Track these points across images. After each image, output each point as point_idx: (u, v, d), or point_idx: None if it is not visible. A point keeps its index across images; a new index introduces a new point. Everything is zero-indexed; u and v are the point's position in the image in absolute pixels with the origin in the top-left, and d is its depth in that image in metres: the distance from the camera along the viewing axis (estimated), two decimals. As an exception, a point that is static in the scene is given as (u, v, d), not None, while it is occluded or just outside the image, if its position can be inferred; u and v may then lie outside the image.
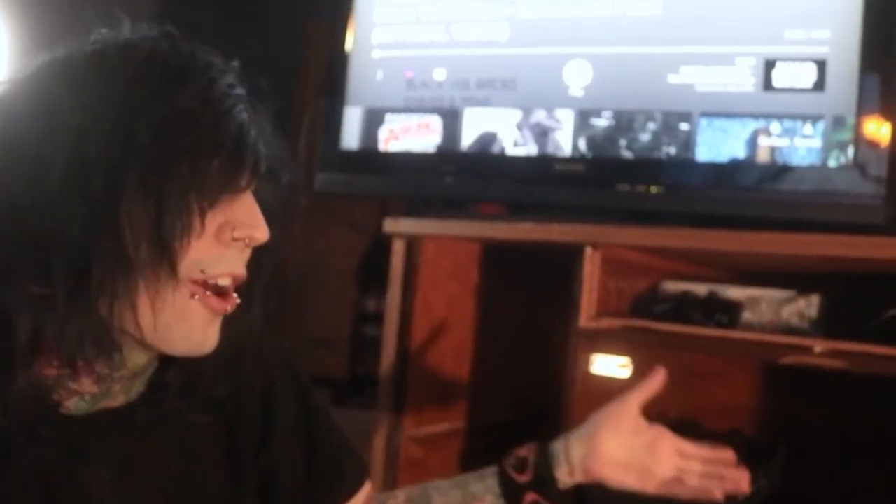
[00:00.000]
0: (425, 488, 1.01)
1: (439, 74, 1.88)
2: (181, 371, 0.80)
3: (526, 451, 0.99)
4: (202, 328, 0.75)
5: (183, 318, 0.74)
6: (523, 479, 0.96)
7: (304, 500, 0.90)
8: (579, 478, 0.97)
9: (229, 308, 0.76)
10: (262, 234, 0.75)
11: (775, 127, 1.60)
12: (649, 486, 0.98)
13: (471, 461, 1.95)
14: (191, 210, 0.70)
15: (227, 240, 0.74)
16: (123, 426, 0.79)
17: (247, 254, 0.77)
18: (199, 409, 0.82)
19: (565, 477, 0.96)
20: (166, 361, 0.80)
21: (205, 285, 0.74)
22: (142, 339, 0.73)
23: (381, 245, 1.94)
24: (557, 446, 0.99)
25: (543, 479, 0.95)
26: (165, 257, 0.70)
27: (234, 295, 0.76)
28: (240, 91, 0.75)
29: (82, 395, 0.77)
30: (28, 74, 0.75)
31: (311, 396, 0.93)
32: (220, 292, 0.75)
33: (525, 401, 2.05)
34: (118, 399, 0.79)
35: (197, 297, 0.74)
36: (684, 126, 1.66)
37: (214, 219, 0.73)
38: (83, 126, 0.69)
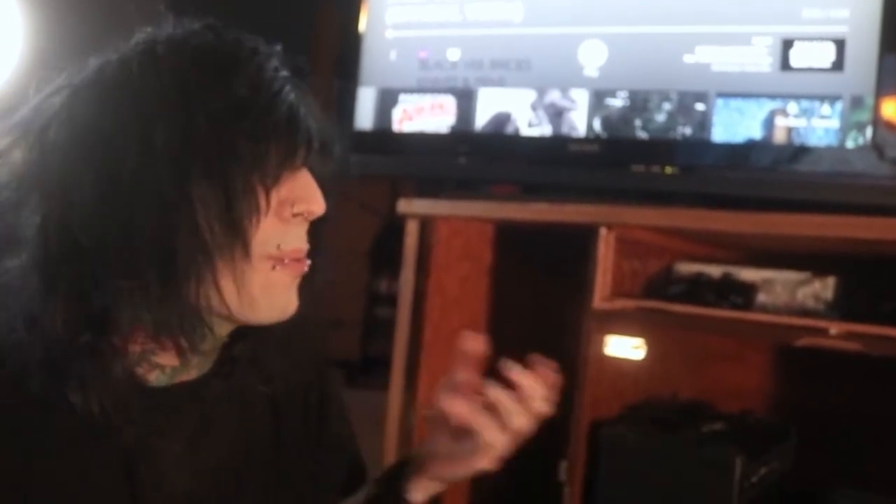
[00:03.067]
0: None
1: (453, 54, 1.87)
2: (248, 345, 0.85)
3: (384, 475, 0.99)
4: (285, 294, 0.80)
5: (266, 288, 0.78)
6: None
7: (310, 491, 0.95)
8: (425, 485, 0.94)
9: (305, 269, 0.81)
10: (319, 207, 0.79)
11: (792, 107, 1.58)
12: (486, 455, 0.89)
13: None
14: (255, 190, 0.75)
15: (287, 216, 0.78)
16: (195, 400, 0.83)
17: (306, 227, 0.81)
18: (262, 382, 0.87)
19: (413, 488, 0.94)
20: (234, 336, 0.84)
21: (280, 259, 0.78)
22: (229, 314, 0.78)
23: (394, 227, 1.93)
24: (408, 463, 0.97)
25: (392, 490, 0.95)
26: (238, 237, 0.74)
27: (307, 259, 0.81)
28: (285, 73, 0.79)
29: (163, 368, 0.81)
30: (84, 78, 0.78)
31: (339, 392, 1.00)
32: (295, 259, 0.80)
33: (538, 382, 2.05)
34: (192, 373, 0.84)
35: (277, 267, 0.78)
36: (700, 106, 1.65)
37: (275, 196, 0.77)
38: (146, 122, 0.73)
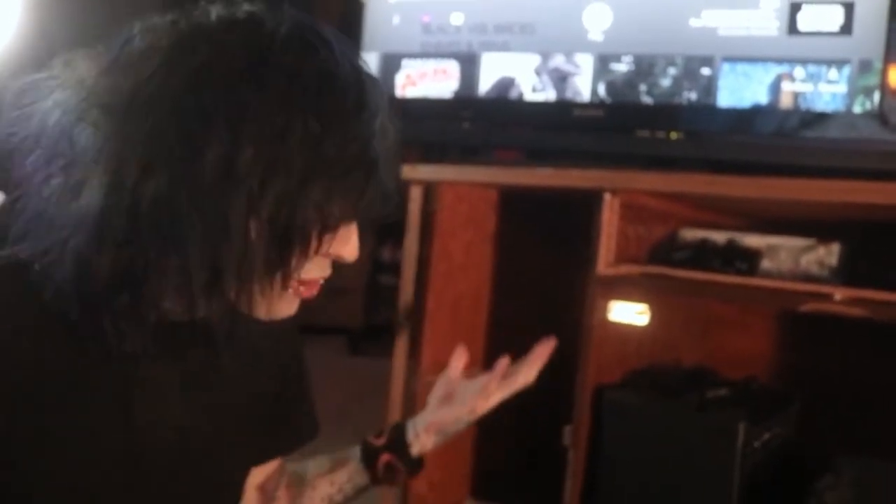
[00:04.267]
0: (304, 462, 1.10)
1: (456, 19, 1.85)
2: None
3: (386, 426, 1.10)
4: (289, 307, 0.82)
5: (278, 302, 0.81)
6: (379, 442, 1.07)
7: (270, 433, 1.00)
8: (424, 438, 1.07)
9: (315, 293, 0.82)
10: (351, 257, 0.82)
11: (799, 72, 1.57)
12: (473, 408, 1.08)
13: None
14: (310, 234, 0.76)
15: (323, 253, 0.79)
16: (193, 335, 0.84)
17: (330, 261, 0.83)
18: (263, 333, 0.87)
19: (413, 439, 1.07)
20: None
21: (296, 286, 0.80)
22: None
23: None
24: (409, 420, 1.10)
25: (396, 441, 1.07)
26: (280, 270, 0.77)
27: (321, 283, 0.83)
28: (377, 125, 0.78)
29: (167, 311, 0.82)
30: (180, 47, 0.75)
31: (299, 340, 1.02)
32: (309, 284, 0.82)
33: (541, 348, 2.05)
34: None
35: (291, 290, 0.80)
36: (706, 71, 1.64)
37: (325, 242, 0.79)
38: (239, 133, 0.72)
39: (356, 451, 1.07)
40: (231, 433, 0.92)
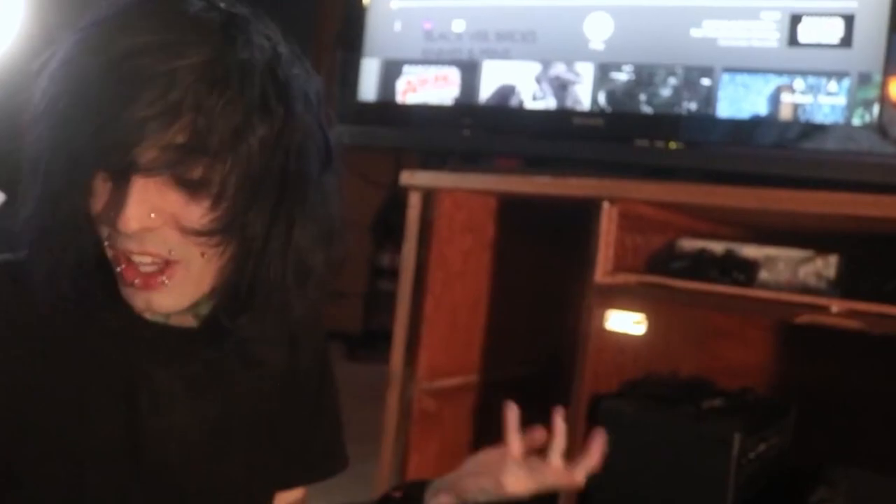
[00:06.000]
0: None
1: (458, 26, 1.85)
2: (232, 315, 0.83)
3: (410, 481, 1.10)
4: (131, 297, 0.79)
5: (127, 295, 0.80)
6: (396, 494, 1.05)
7: (296, 460, 0.98)
8: (442, 498, 1.02)
9: (138, 284, 0.78)
10: (122, 225, 0.74)
11: (799, 84, 1.57)
12: (501, 484, 1.02)
13: (484, 415, 1.96)
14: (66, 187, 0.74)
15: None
16: (195, 345, 0.84)
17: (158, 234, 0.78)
18: (271, 328, 0.85)
19: (430, 496, 1.03)
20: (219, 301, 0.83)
21: (122, 256, 0.78)
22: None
23: (397, 201, 1.93)
24: (435, 480, 1.06)
25: (411, 495, 1.03)
26: (68, 210, 0.76)
27: (157, 276, 0.78)
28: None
29: None
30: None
31: (331, 362, 1.01)
32: (132, 266, 0.78)
33: (539, 355, 2.05)
34: (188, 319, 0.84)
35: (118, 268, 0.78)
36: (706, 81, 1.64)
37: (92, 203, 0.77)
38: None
39: (373, 499, 1.06)
40: (238, 447, 0.91)
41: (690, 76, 1.65)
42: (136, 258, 0.76)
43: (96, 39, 0.72)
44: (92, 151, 0.71)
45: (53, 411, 0.80)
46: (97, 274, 0.78)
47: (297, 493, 1.02)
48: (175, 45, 0.71)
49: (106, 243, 0.76)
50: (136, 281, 0.76)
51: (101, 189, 0.75)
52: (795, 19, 1.58)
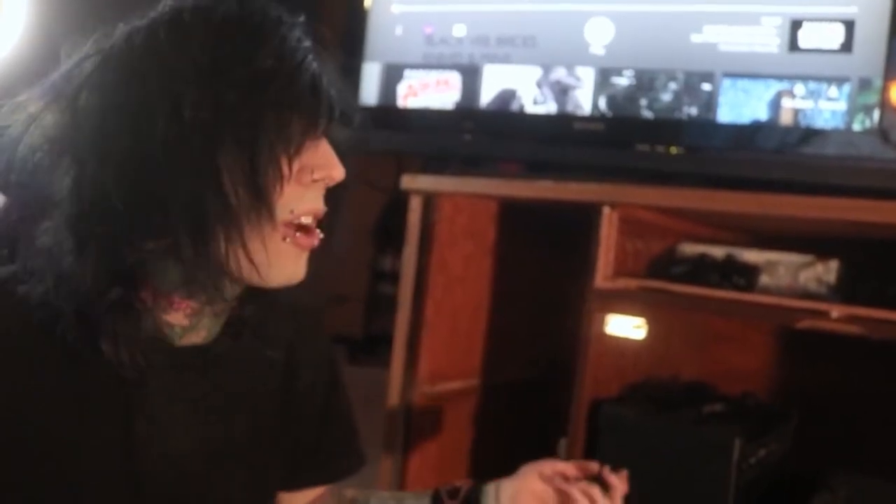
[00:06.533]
0: (367, 495, 1.10)
1: (459, 30, 1.86)
2: (256, 309, 0.88)
3: (462, 483, 1.08)
4: (292, 263, 0.82)
5: (278, 257, 0.81)
6: (452, 501, 1.05)
7: (305, 464, 0.99)
8: None
9: (315, 243, 0.83)
10: (338, 173, 0.82)
11: (799, 89, 1.57)
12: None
13: (485, 419, 1.96)
14: (279, 158, 0.78)
15: (307, 181, 0.81)
16: (203, 362, 0.86)
17: (323, 191, 0.84)
18: (269, 346, 0.91)
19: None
20: (243, 300, 0.87)
21: (292, 226, 0.81)
22: (240, 275, 0.80)
23: (398, 205, 1.93)
24: (490, 484, 1.08)
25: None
26: (263, 202, 0.77)
27: (318, 231, 0.83)
28: (308, 43, 0.81)
29: (173, 327, 0.84)
30: (114, 45, 0.79)
31: (339, 367, 1.03)
32: (305, 230, 0.82)
33: (539, 360, 2.05)
34: (201, 335, 0.86)
35: (288, 239, 0.81)
36: (706, 86, 1.64)
37: (297, 164, 0.80)
38: (175, 92, 0.75)
39: (425, 500, 1.06)
40: (237, 465, 0.91)
41: (691, 81, 1.65)
42: (305, 220, 0.81)
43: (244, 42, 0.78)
44: (315, 114, 0.79)
45: (45, 432, 0.80)
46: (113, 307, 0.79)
47: (316, 491, 1.02)
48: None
49: (290, 215, 0.80)
50: (314, 242, 0.82)
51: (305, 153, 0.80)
52: (796, 24, 1.58)
